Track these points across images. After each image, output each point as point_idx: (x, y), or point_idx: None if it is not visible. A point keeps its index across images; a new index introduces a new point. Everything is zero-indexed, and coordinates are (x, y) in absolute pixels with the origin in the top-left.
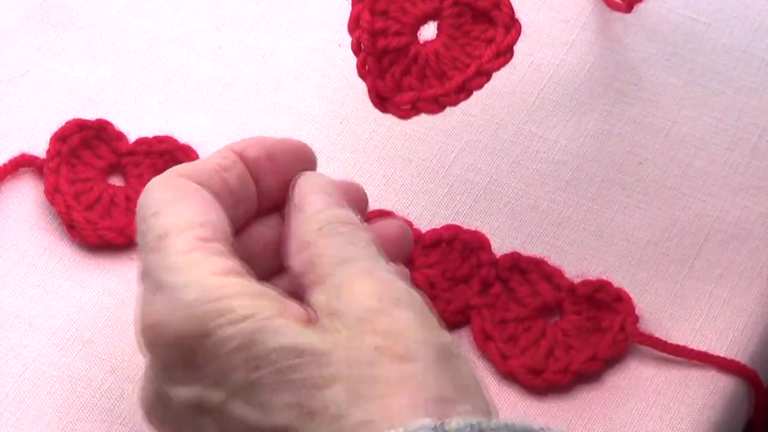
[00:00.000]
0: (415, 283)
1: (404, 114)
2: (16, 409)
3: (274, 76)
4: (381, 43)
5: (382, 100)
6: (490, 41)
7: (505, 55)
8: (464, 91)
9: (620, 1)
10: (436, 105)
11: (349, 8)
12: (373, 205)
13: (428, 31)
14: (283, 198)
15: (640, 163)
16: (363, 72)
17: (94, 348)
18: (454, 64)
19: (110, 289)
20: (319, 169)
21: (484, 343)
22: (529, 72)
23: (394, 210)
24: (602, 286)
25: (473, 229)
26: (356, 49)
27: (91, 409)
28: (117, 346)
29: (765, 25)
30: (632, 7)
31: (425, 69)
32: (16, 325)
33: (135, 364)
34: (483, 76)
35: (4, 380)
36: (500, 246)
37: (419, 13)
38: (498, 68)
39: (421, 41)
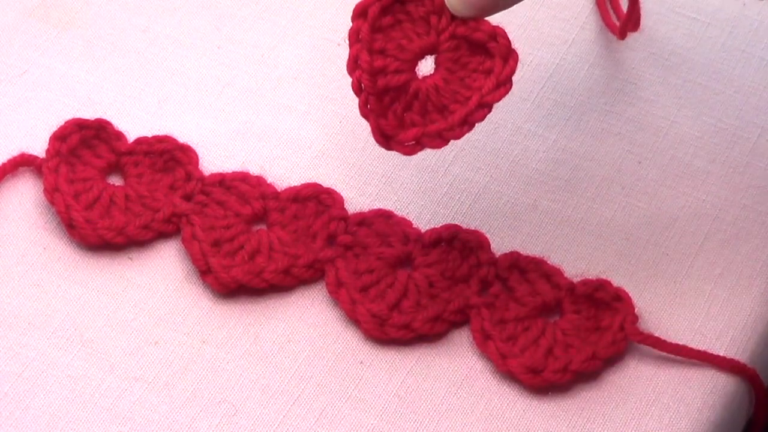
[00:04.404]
0: (415, 283)
1: (409, 150)
2: (15, 409)
3: (273, 75)
4: (381, 81)
5: (386, 139)
6: (488, 72)
7: (504, 85)
8: (467, 124)
9: (616, 23)
10: (440, 139)
11: (348, 7)
12: (373, 204)
13: (426, 66)
14: None
15: (640, 163)
16: (365, 112)
17: (94, 347)
18: (455, 97)
19: (109, 289)
20: (318, 169)
21: (483, 342)
22: (528, 71)
23: (393, 209)
24: (601, 285)
25: (473, 228)
26: (357, 89)
27: (90, 409)
28: (116, 345)
29: (765, 24)
30: (626, 35)
31: (426, 104)
32: (15, 324)
33: (134, 363)
34: (484, 107)
35: (4, 379)
36: (499, 245)
37: (416, 49)
38: (499, 99)
39: (420, 76)
